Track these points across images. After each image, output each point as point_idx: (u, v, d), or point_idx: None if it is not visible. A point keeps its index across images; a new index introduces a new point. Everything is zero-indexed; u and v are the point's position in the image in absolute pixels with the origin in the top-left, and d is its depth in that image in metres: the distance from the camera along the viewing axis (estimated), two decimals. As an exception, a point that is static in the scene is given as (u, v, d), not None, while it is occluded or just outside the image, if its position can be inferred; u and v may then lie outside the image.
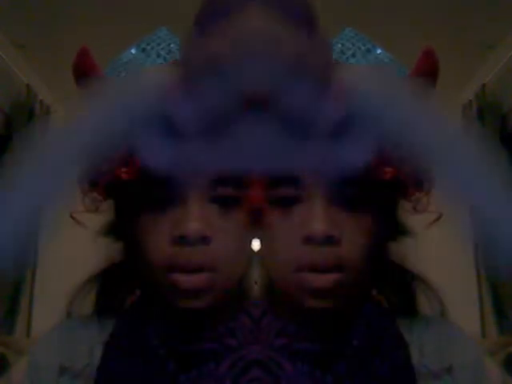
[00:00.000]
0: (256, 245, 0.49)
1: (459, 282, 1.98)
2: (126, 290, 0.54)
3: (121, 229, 0.51)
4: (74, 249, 1.67)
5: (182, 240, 0.44)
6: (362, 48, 0.43)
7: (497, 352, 1.64)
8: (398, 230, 0.53)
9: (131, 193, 0.47)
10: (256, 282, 0.51)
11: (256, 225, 0.48)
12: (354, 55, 0.42)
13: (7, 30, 2.19)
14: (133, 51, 0.46)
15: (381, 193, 0.47)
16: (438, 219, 0.51)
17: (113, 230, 0.53)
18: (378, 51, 0.45)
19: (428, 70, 0.48)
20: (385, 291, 0.55)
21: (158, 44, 0.45)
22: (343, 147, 0.19)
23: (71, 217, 0.51)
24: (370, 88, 0.20)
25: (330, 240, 0.45)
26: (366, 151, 0.20)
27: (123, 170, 0.44)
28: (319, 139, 0.19)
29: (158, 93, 0.19)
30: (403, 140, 0.20)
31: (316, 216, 0.45)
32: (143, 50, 0.46)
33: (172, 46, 0.46)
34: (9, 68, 2.36)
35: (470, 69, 2.47)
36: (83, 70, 0.47)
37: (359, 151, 0.19)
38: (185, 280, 0.45)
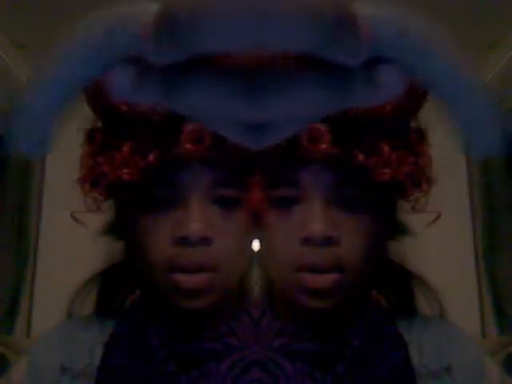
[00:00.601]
0: (256, 245, 0.50)
1: (459, 282, 1.98)
2: (126, 290, 0.55)
3: (122, 229, 0.51)
4: (74, 249, 1.67)
5: (183, 241, 0.45)
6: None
7: (497, 352, 1.64)
8: (397, 230, 0.53)
9: (133, 193, 0.47)
10: (256, 283, 0.51)
11: (256, 225, 0.48)
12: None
13: (7, 30, 2.18)
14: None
15: (379, 193, 0.47)
16: (436, 219, 0.51)
17: (113, 230, 0.53)
18: None
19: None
20: (384, 291, 0.55)
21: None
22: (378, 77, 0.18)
23: (72, 216, 0.52)
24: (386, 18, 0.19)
25: (328, 241, 0.45)
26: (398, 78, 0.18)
27: (125, 170, 0.45)
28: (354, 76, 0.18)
29: (132, 29, 0.18)
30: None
31: (315, 217, 0.45)
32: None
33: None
34: (9, 68, 2.36)
35: (470, 69, 2.46)
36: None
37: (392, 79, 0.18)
38: (186, 280, 0.45)
